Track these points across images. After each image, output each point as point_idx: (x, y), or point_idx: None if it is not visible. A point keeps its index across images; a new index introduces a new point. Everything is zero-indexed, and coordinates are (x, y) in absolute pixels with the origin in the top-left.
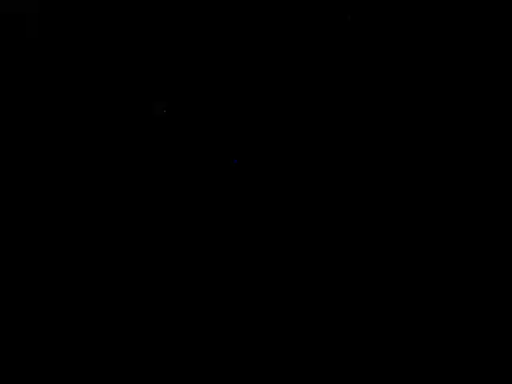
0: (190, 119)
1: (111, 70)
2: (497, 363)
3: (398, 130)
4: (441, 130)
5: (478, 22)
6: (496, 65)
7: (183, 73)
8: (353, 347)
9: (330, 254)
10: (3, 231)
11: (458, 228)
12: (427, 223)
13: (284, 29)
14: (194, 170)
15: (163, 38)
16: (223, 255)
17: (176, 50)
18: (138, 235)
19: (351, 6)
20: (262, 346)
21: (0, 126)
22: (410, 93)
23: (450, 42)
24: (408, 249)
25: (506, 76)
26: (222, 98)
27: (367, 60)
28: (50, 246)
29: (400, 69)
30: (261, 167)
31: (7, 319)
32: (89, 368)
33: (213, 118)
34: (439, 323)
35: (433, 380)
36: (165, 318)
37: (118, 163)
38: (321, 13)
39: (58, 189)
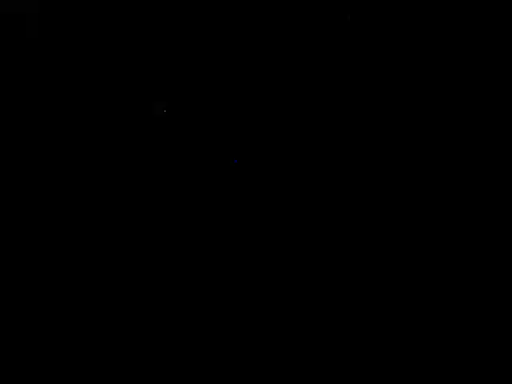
0: (190, 119)
1: (111, 69)
2: (497, 363)
3: (398, 129)
4: (441, 129)
5: (478, 22)
6: (496, 65)
7: (183, 73)
8: (353, 347)
9: (329, 254)
10: (3, 231)
11: (457, 228)
12: (427, 223)
13: (284, 29)
14: (194, 170)
15: (163, 38)
16: (223, 255)
17: (176, 50)
18: (138, 235)
19: (351, 6)
20: (261, 346)
21: (0, 125)
22: (409, 92)
23: (450, 41)
24: (408, 248)
25: (505, 76)
26: (221, 98)
27: (367, 60)
28: (50, 245)
29: (400, 69)
30: (261, 167)
31: (7, 319)
32: (89, 368)
33: (213, 118)
34: (439, 323)
35: (433, 380)
36: (165, 317)
37: (118, 163)
38: (321, 13)
39: (58, 188)
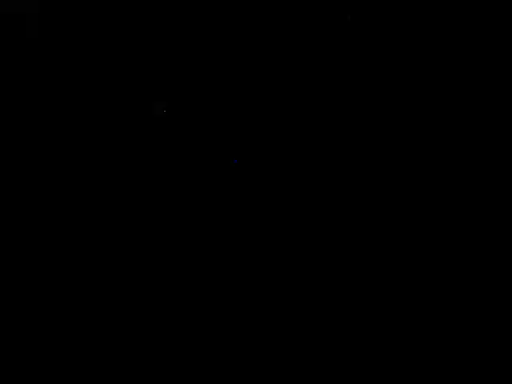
0: (190, 119)
1: (111, 70)
2: (497, 363)
3: (398, 129)
4: (440, 129)
5: (478, 22)
6: (496, 65)
7: (183, 73)
8: (353, 347)
9: (329, 254)
10: (3, 231)
11: (457, 227)
12: (427, 223)
13: (284, 29)
14: (194, 170)
15: (163, 38)
16: (223, 255)
17: (176, 51)
18: (139, 235)
19: (351, 6)
20: (261, 346)
21: (0, 125)
22: (409, 92)
23: (450, 41)
24: (408, 248)
25: (505, 76)
26: (221, 98)
27: (367, 60)
28: (50, 245)
29: (400, 69)
30: (261, 167)
31: (7, 319)
32: (89, 368)
33: (213, 118)
34: (439, 323)
35: (433, 380)
36: (165, 317)
37: (118, 163)
38: (321, 13)
39: (58, 188)
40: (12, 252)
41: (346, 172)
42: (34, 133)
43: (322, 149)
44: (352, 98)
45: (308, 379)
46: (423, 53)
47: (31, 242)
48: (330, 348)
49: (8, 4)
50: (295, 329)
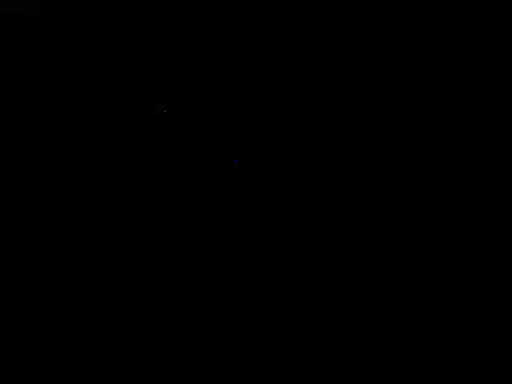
0: (190, 119)
1: (111, 69)
2: (497, 363)
3: (398, 129)
4: (440, 129)
5: (478, 22)
6: (496, 65)
7: (183, 73)
8: (353, 347)
9: (329, 254)
10: (3, 231)
11: (457, 227)
12: (427, 223)
13: (284, 29)
14: (194, 170)
15: (163, 38)
16: (223, 255)
17: (176, 51)
18: (138, 235)
19: (351, 6)
20: (261, 346)
21: (0, 125)
22: (409, 92)
23: (450, 41)
24: (408, 248)
25: (506, 76)
26: (221, 98)
27: (367, 60)
28: (50, 245)
29: (400, 69)
30: (261, 167)
31: (7, 319)
32: (89, 368)
33: (213, 118)
34: (439, 323)
35: (433, 380)
36: (165, 317)
37: (118, 163)
38: (321, 13)
39: (58, 188)
40: (12, 252)
41: (346, 172)
42: (34, 133)
43: (322, 149)
44: (352, 98)
45: (308, 379)
46: (423, 53)
47: (31, 242)
48: (329, 348)
49: (8, 4)
50: (295, 328)
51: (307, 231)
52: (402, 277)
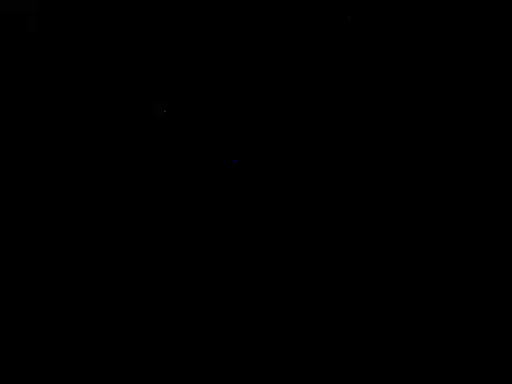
0: (190, 119)
1: (111, 69)
2: (497, 363)
3: (398, 129)
4: (440, 129)
5: (478, 22)
6: (496, 65)
7: (183, 73)
8: (352, 347)
9: (329, 254)
10: (3, 231)
11: (457, 228)
12: (427, 223)
13: (284, 29)
14: (194, 170)
15: (163, 38)
16: (223, 255)
17: (176, 51)
18: (138, 235)
19: (351, 6)
20: (261, 346)
21: (0, 125)
22: (409, 92)
23: (450, 41)
24: (408, 249)
25: (506, 76)
26: (221, 98)
27: (367, 60)
28: (50, 245)
29: (400, 69)
30: (261, 167)
31: (7, 320)
32: (89, 368)
33: (213, 118)
34: (439, 323)
35: (433, 380)
36: (165, 317)
37: (118, 163)
38: (321, 13)
39: (58, 188)
40: (12, 252)
41: (345, 171)
42: (34, 132)
43: (322, 149)
44: (352, 98)
45: (308, 379)
46: (423, 52)
47: (31, 242)
48: (329, 347)
49: (8, 4)
50: (295, 328)
51: (307, 231)
52: (402, 276)
